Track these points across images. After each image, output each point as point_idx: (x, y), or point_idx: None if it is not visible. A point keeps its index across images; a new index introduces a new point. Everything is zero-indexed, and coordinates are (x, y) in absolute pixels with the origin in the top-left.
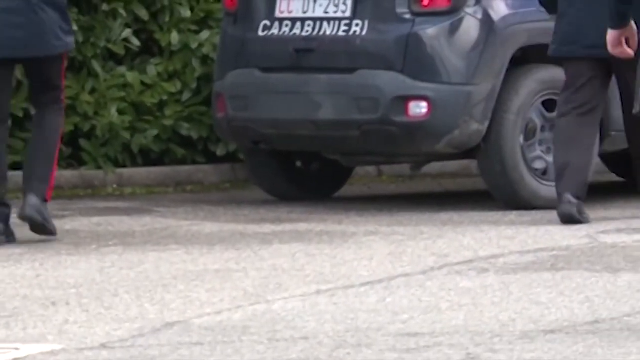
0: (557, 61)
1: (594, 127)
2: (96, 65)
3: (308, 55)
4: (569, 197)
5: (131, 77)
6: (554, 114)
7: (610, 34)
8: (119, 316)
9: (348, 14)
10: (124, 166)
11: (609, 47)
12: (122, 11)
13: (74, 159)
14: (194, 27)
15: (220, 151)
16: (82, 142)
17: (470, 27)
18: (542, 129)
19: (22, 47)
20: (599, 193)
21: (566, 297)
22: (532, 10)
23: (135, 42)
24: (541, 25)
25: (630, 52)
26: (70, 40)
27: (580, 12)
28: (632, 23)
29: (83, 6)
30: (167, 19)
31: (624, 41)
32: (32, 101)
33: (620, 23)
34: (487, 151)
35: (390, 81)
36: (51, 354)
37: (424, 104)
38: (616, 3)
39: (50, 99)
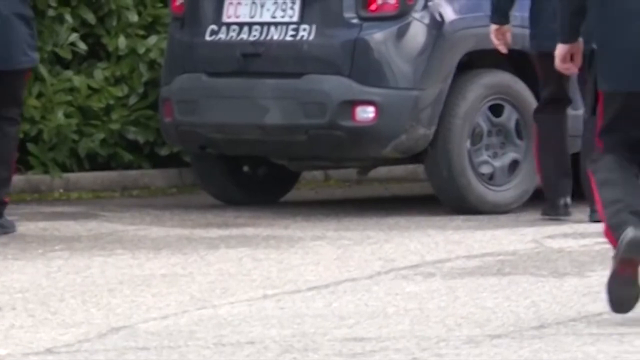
0: (505, 66)
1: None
2: (43, 70)
3: (255, 59)
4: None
5: (78, 81)
6: (501, 119)
7: (561, 48)
8: (65, 321)
9: (295, 18)
10: (71, 171)
11: (557, 62)
12: (68, 16)
13: (21, 164)
14: (141, 32)
15: (164, 152)
16: (30, 147)
17: (417, 31)
18: (489, 133)
19: None
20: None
21: (512, 302)
22: (479, 15)
23: (83, 46)
24: (488, 30)
25: (575, 68)
26: (36, 56)
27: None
28: (580, 38)
29: None
30: (114, 23)
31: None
32: None
33: (572, 37)
34: (434, 156)
35: (337, 86)
36: None
37: (371, 109)
38: (569, 16)
39: (10, 112)
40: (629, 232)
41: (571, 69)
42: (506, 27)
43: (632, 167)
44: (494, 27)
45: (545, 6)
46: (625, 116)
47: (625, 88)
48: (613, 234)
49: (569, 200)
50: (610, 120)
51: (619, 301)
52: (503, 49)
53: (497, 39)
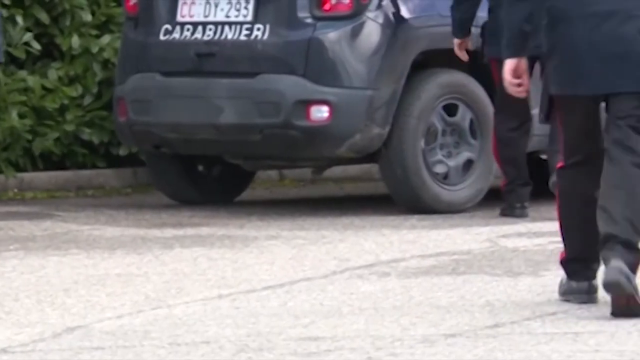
0: (459, 66)
1: None
2: None
3: (209, 59)
4: None
5: (32, 81)
6: (455, 118)
7: (509, 64)
8: (19, 321)
9: (249, 18)
10: (25, 170)
11: (506, 76)
12: (19, 18)
13: None
14: (94, 32)
15: (122, 151)
16: None
17: (371, 31)
18: (443, 133)
19: None
20: (500, 197)
21: (467, 301)
22: (433, 15)
23: (36, 46)
24: (442, 30)
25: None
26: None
27: None
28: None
29: None
30: (67, 23)
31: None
32: None
33: (521, 51)
34: (389, 155)
35: (291, 85)
36: None
37: (325, 108)
38: (519, 30)
39: None
40: (609, 275)
41: (520, 91)
42: (468, 39)
43: (589, 191)
44: (457, 41)
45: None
46: (578, 122)
47: (573, 91)
48: (567, 272)
49: (526, 204)
50: (567, 128)
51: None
52: (466, 58)
53: (461, 50)
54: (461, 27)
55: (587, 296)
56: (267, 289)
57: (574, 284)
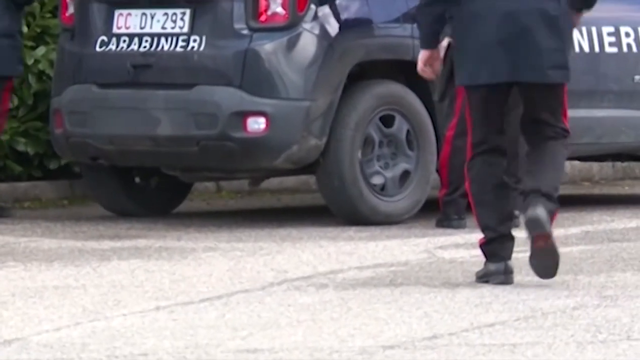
0: (395, 77)
1: None
2: None
3: (146, 70)
4: None
5: None
6: (392, 129)
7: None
8: None
9: (186, 29)
10: None
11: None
12: None
13: None
14: (30, 43)
15: (53, 165)
16: None
17: (307, 42)
18: (380, 144)
19: None
20: (437, 208)
21: (405, 313)
22: (369, 26)
23: None
24: (378, 41)
25: (433, 74)
26: None
27: None
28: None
29: None
30: None
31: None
32: None
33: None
34: (326, 167)
35: (228, 97)
36: None
37: (262, 120)
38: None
39: None
40: (529, 212)
41: (429, 73)
42: (436, 52)
43: (498, 173)
44: (425, 53)
45: None
46: (485, 113)
47: (481, 81)
48: (486, 255)
49: (463, 215)
50: (475, 117)
51: (546, 270)
52: (433, 76)
53: (427, 65)
54: (431, 36)
55: (504, 277)
56: (205, 300)
57: (491, 266)
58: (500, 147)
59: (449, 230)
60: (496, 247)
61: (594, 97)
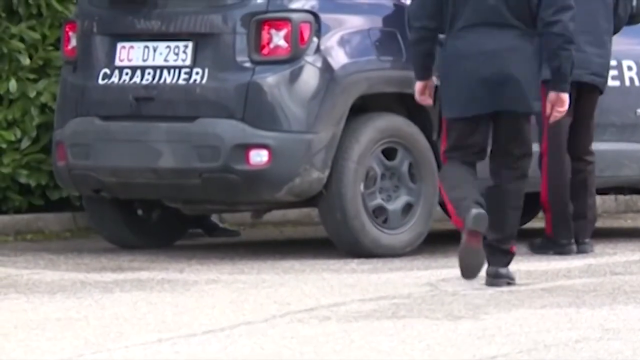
0: (398, 110)
1: None
2: None
3: (148, 103)
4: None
5: None
6: (394, 162)
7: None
8: None
9: (188, 62)
10: None
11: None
12: None
13: None
14: (32, 76)
15: (54, 196)
16: None
17: (310, 75)
18: (382, 177)
19: None
20: (439, 241)
21: (407, 345)
22: (372, 59)
23: None
24: (381, 74)
25: (430, 101)
26: None
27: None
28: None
29: None
30: (5, 67)
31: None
32: None
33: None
34: (328, 199)
35: (230, 129)
36: None
37: (264, 152)
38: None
39: None
40: (474, 211)
41: (427, 101)
42: (430, 82)
43: (470, 171)
44: (420, 84)
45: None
46: (458, 134)
47: (460, 114)
48: (460, 218)
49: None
50: (453, 141)
51: (468, 268)
52: (430, 102)
53: (423, 94)
54: (424, 68)
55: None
56: (207, 333)
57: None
58: (472, 160)
59: (451, 262)
60: (472, 205)
61: (596, 130)
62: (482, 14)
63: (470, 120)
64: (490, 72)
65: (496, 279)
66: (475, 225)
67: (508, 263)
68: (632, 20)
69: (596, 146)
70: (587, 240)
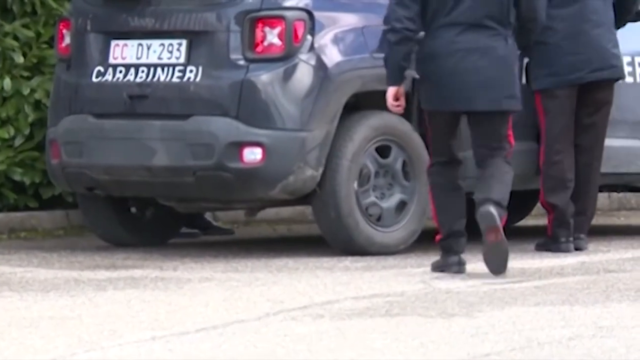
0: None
1: None
2: None
3: (142, 101)
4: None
5: None
6: (388, 160)
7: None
8: None
9: (182, 60)
10: None
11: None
12: None
13: None
14: (26, 73)
15: (46, 194)
16: None
17: (304, 73)
18: (376, 174)
19: None
20: (433, 239)
21: (401, 343)
22: (365, 57)
23: None
24: (375, 72)
25: (402, 108)
26: None
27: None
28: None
29: None
30: (0, 64)
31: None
32: None
33: (399, 80)
34: (322, 197)
35: (224, 127)
36: None
37: (258, 150)
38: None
39: None
40: (481, 210)
41: (399, 109)
42: (401, 88)
43: (454, 180)
44: (393, 90)
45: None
46: (444, 131)
47: (441, 108)
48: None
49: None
50: (435, 135)
51: (496, 263)
52: (402, 110)
53: (397, 99)
54: (400, 71)
55: (458, 267)
56: (200, 331)
57: (448, 258)
58: (455, 158)
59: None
60: (451, 242)
61: (610, 127)
62: (460, 14)
63: (443, 115)
64: (465, 71)
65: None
66: (488, 221)
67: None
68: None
69: (611, 143)
70: (582, 235)
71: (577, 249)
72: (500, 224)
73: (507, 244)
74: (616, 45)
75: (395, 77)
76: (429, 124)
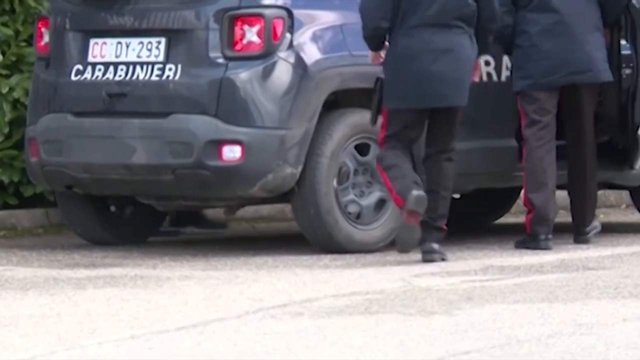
0: (370, 106)
1: None
2: None
3: (121, 99)
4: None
5: None
6: (367, 158)
7: (371, 54)
8: None
9: (161, 58)
10: None
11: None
12: None
13: None
14: (4, 72)
15: (27, 193)
16: None
17: (283, 71)
18: (355, 172)
19: None
20: None
21: (380, 341)
22: (344, 55)
23: None
24: (353, 70)
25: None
26: None
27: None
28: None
29: None
30: None
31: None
32: None
33: (379, 47)
34: (301, 195)
35: (203, 125)
36: None
37: (237, 148)
38: (376, 41)
39: None
40: (414, 192)
41: (380, 60)
42: (382, 52)
43: (407, 154)
44: (373, 53)
45: (543, 45)
46: (403, 125)
47: (406, 106)
48: (401, 197)
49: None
50: (393, 129)
51: (405, 243)
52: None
53: (378, 59)
54: (379, 38)
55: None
56: (180, 329)
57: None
58: (409, 147)
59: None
60: (412, 186)
61: None
62: (430, 14)
63: (415, 112)
64: (436, 69)
65: (431, 254)
66: (415, 205)
67: (440, 239)
68: None
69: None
70: (587, 229)
71: (582, 243)
72: (421, 215)
73: (420, 232)
74: (599, 47)
75: (373, 48)
76: (387, 122)
